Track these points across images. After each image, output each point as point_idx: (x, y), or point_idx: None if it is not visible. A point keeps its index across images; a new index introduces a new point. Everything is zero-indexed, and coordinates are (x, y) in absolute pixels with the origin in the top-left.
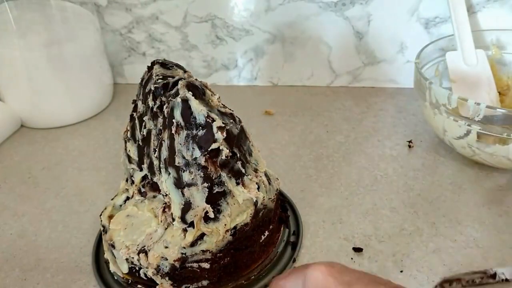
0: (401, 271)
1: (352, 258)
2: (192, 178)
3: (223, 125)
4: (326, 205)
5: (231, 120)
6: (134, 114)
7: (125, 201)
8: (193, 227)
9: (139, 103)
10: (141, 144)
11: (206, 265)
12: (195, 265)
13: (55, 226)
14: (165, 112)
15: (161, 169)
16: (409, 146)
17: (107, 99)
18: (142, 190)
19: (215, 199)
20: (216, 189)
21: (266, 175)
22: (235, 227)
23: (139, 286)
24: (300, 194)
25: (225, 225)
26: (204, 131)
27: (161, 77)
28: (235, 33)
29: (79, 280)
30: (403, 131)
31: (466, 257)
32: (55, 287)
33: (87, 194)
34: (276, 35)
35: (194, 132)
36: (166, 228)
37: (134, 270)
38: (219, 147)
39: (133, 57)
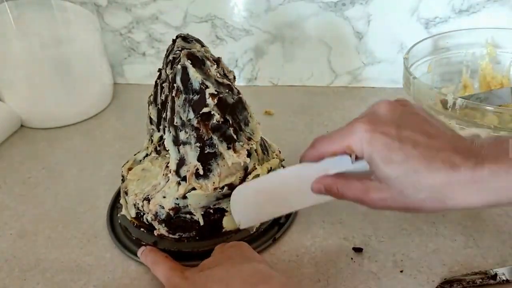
0: (401, 271)
1: (352, 258)
2: (187, 138)
3: (216, 92)
4: (326, 205)
5: (228, 90)
6: (158, 81)
7: (144, 157)
8: (185, 181)
9: (163, 72)
10: (160, 107)
11: (196, 218)
12: (187, 216)
13: (55, 226)
14: (170, 77)
15: (165, 128)
16: None
17: (107, 99)
18: (158, 148)
19: (206, 158)
20: (208, 150)
21: (263, 145)
22: (223, 187)
23: (142, 229)
24: None
25: (214, 183)
26: (198, 96)
27: (180, 49)
28: (235, 33)
29: (79, 280)
30: None
31: (466, 257)
32: (55, 287)
33: (87, 194)
34: (276, 35)
35: (190, 96)
36: (167, 181)
37: (139, 215)
38: (210, 111)
39: (133, 57)
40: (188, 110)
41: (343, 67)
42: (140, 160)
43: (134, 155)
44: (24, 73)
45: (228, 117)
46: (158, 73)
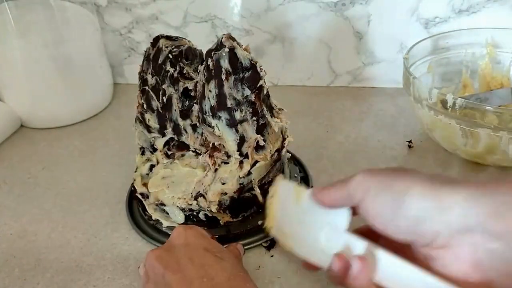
0: None
1: None
2: (243, 115)
3: (262, 65)
4: None
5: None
6: (146, 87)
7: (150, 169)
8: (248, 158)
9: (149, 77)
10: (161, 111)
11: (256, 192)
12: (247, 194)
13: (55, 226)
14: (211, 65)
15: (206, 118)
16: (409, 146)
17: (107, 99)
18: (169, 152)
19: (261, 130)
20: (261, 122)
21: None
22: (274, 153)
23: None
24: None
25: (270, 150)
26: (249, 72)
27: (173, 47)
28: (235, 33)
29: (79, 280)
30: (403, 131)
31: None
32: (55, 287)
33: (87, 194)
34: (276, 35)
35: (241, 75)
36: (216, 170)
37: (191, 217)
38: (262, 84)
39: (133, 57)
40: (243, 88)
41: (343, 67)
42: (147, 174)
43: (135, 171)
44: (24, 73)
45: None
46: (141, 80)
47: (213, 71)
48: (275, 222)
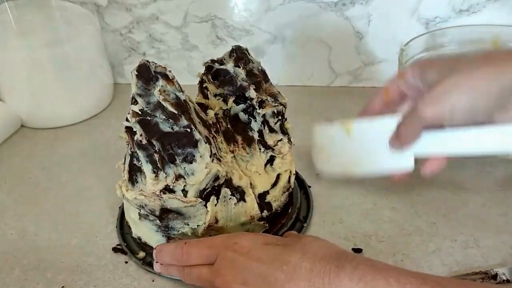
0: None
1: None
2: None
3: (139, 112)
4: (326, 205)
5: (167, 118)
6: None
7: None
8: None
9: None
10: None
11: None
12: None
13: (55, 226)
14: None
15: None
16: None
17: (107, 99)
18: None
19: (132, 168)
20: (135, 162)
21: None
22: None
23: None
24: None
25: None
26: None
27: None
28: (235, 33)
29: (79, 280)
30: None
31: (466, 257)
32: (55, 287)
33: (87, 194)
34: (276, 35)
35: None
36: None
37: None
38: (131, 127)
39: (133, 57)
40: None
41: (343, 67)
42: None
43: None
44: (24, 73)
45: (154, 142)
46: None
47: None
48: (328, 164)
